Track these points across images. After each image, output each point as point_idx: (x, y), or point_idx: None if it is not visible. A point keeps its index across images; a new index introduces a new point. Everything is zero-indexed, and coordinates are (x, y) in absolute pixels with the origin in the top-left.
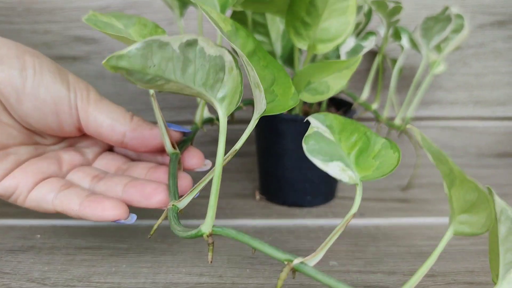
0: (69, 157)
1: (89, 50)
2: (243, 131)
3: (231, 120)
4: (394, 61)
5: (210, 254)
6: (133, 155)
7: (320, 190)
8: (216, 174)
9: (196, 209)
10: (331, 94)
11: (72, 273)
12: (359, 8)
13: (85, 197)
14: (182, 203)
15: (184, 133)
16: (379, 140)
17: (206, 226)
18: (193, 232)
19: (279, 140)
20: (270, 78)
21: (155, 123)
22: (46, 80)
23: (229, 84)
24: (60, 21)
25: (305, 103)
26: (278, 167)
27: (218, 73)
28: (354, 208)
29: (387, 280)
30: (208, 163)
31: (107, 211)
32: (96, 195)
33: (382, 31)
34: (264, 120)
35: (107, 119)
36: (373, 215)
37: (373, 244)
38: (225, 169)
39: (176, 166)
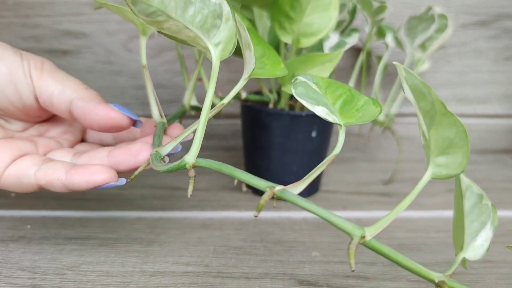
0: (44, 141)
1: (79, 44)
2: (230, 125)
3: (219, 115)
4: (379, 58)
5: (190, 187)
6: (110, 143)
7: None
8: (204, 112)
9: (184, 201)
10: None
11: (62, 262)
12: (344, 6)
13: (70, 166)
14: (165, 149)
15: (134, 122)
16: (362, 97)
17: (190, 157)
18: (176, 163)
19: (265, 133)
20: (261, 52)
21: (148, 117)
22: None
23: (224, 32)
24: (50, 15)
25: (290, 98)
26: (264, 160)
27: (216, 19)
28: (337, 149)
29: (367, 270)
30: (190, 135)
31: (97, 175)
32: (82, 164)
33: (366, 29)
34: (251, 113)
35: (58, 85)
36: (355, 208)
37: None
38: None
39: (161, 132)
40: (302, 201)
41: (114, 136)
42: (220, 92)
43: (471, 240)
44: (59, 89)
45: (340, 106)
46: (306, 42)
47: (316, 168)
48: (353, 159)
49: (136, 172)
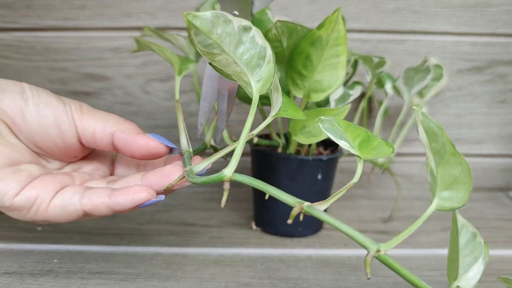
0: (79, 175)
1: (100, 86)
2: (241, 163)
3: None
4: (380, 102)
5: (224, 198)
6: None
7: (310, 221)
8: (243, 135)
9: (198, 237)
10: (323, 137)
11: None
12: (347, 61)
13: (111, 190)
14: (198, 167)
15: (171, 149)
16: (377, 139)
17: (228, 170)
18: (214, 175)
19: (273, 175)
20: (284, 100)
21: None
22: (44, 98)
23: (265, 71)
24: (75, 59)
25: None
26: (272, 200)
27: (260, 60)
28: (355, 179)
29: None
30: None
31: (139, 193)
32: (122, 188)
33: (367, 77)
34: (261, 157)
35: (99, 122)
36: (356, 246)
37: (354, 273)
38: None
39: (190, 158)
40: (326, 216)
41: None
42: (234, 136)
43: (464, 272)
44: (100, 125)
45: (359, 143)
46: (316, 97)
47: (337, 192)
48: (355, 196)
49: (169, 185)
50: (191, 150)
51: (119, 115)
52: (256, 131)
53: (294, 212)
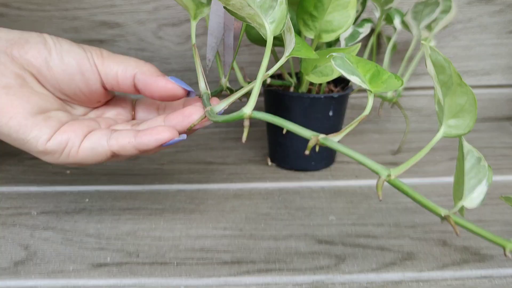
0: (103, 120)
1: (113, 33)
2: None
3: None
4: (389, 38)
5: (245, 135)
6: None
7: (322, 156)
8: (260, 75)
9: (217, 174)
10: (334, 76)
11: (120, 229)
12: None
13: (136, 132)
14: (218, 107)
15: (188, 92)
16: (387, 73)
17: (247, 109)
18: (234, 114)
19: (286, 114)
20: (297, 40)
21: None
22: (65, 47)
23: (278, 13)
24: (87, 8)
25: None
26: (287, 138)
27: (273, 1)
28: (366, 111)
29: (375, 230)
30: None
31: (162, 133)
32: (146, 129)
33: (376, 14)
34: (274, 96)
35: (121, 65)
36: (366, 177)
37: (366, 202)
38: (239, 138)
39: (208, 100)
40: (341, 146)
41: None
42: (248, 77)
43: (469, 193)
44: (121, 68)
45: (369, 78)
46: (327, 38)
47: (350, 124)
48: (365, 131)
49: (191, 126)
50: (209, 92)
51: None
52: (271, 71)
53: (311, 144)
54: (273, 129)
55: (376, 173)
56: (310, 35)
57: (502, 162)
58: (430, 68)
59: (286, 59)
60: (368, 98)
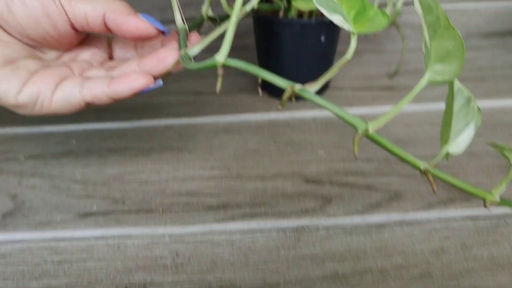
0: (77, 64)
1: None
2: (245, 24)
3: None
4: None
5: (219, 84)
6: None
7: (314, 70)
8: (236, 11)
9: (207, 106)
10: None
11: (107, 174)
12: None
13: (110, 79)
14: (193, 50)
15: (162, 32)
16: (373, 8)
17: (220, 56)
18: (207, 62)
19: (277, 41)
20: None
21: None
22: None
23: None
24: None
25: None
26: (277, 65)
27: None
28: (349, 54)
29: (364, 167)
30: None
31: (136, 81)
32: (120, 75)
33: None
34: (263, 24)
35: (88, 4)
36: (360, 104)
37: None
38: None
39: (185, 37)
40: (317, 98)
41: (138, 52)
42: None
43: (456, 136)
44: (90, 7)
45: (354, 15)
46: None
47: (329, 70)
48: (362, 51)
49: (167, 71)
50: (187, 27)
51: None
52: (249, 6)
53: (285, 97)
54: (264, 56)
55: (354, 127)
56: None
57: (501, 84)
58: (418, 7)
59: None
60: (352, 40)
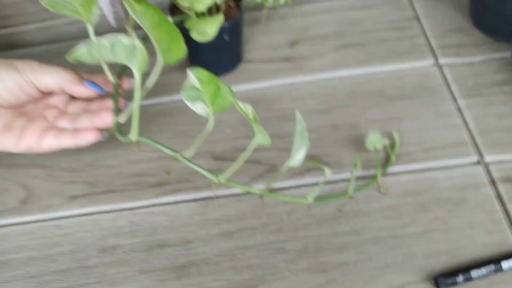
0: (49, 112)
1: None
2: None
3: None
4: None
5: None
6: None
7: (227, 59)
8: (136, 102)
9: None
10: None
11: (83, 161)
12: None
13: (75, 133)
14: (121, 118)
15: (101, 93)
16: (224, 87)
17: (133, 135)
18: (125, 138)
19: (194, 45)
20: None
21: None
22: (2, 74)
23: (139, 57)
24: None
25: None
26: (199, 61)
27: (132, 52)
28: (209, 128)
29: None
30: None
31: (91, 136)
32: (80, 131)
33: None
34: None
35: (50, 79)
36: (264, 78)
37: (259, 108)
38: None
39: (118, 91)
40: (191, 164)
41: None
42: None
43: (295, 153)
44: (50, 79)
45: (210, 99)
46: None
47: (197, 138)
48: (270, 18)
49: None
50: (119, 82)
51: None
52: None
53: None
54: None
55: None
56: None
57: (373, 52)
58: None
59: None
60: (210, 119)
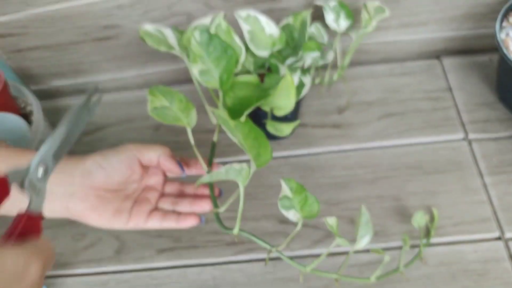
0: (151, 194)
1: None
2: None
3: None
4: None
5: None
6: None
7: None
8: (240, 205)
9: None
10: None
11: None
12: None
13: (177, 217)
14: (221, 210)
15: (182, 170)
16: (311, 196)
17: (236, 229)
18: (225, 230)
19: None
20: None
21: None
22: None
23: (244, 175)
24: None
25: None
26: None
27: (240, 173)
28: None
29: None
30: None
31: (193, 221)
32: (181, 215)
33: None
34: None
35: (152, 151)
36: (316, 145)
37: (311, 175)
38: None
39: (212, 183)
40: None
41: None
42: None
43: (360, 239)
44: (152, 153)
45: (300, 207)
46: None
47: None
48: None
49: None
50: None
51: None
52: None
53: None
54: None
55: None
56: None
57: (411, 122)
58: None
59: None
60: (297, 227)
